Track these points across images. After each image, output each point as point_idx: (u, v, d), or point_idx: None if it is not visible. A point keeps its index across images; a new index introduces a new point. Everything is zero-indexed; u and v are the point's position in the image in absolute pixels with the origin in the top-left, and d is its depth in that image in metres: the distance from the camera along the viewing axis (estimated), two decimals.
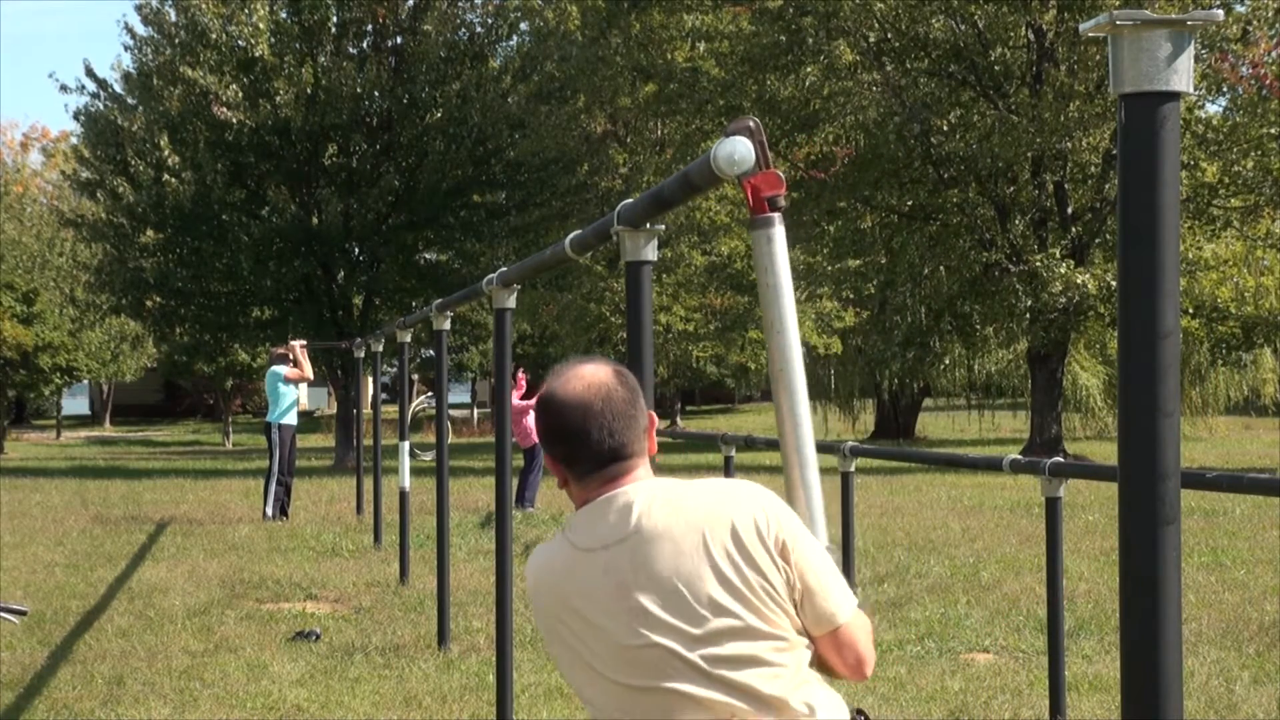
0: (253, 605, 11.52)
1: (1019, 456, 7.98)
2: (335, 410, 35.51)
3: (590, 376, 2.89)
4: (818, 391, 43.92)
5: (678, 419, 49.87)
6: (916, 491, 21.26)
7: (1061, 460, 8.44)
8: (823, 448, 9.63)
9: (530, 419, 19.15)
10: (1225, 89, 27.03)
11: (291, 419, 18.49)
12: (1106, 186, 27.53)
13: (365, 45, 30.36)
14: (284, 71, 28.49)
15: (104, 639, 10.08)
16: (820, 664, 2.91)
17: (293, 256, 29.52)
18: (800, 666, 2.83)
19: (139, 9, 29.73)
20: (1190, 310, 29.13)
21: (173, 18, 29.37)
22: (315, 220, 29.62)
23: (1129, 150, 2.34)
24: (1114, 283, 24.91)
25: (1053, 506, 6.78)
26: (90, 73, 30.46)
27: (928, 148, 28.29)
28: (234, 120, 28.32)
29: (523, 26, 34.10)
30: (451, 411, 40.88)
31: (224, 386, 48.86)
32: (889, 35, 28.00)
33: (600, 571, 2.84)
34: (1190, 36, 2.32)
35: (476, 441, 42.19)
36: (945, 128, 28.45)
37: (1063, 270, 26.43)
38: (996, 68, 27.92)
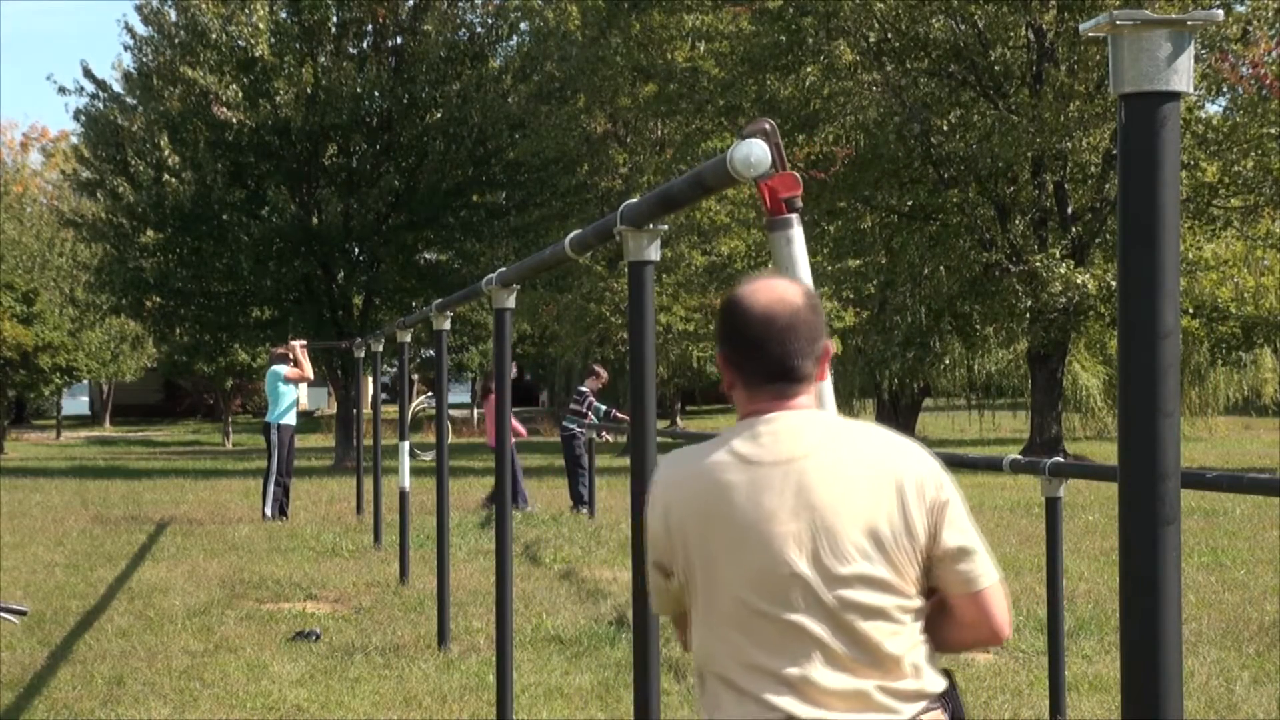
0: (253, 605, 11.52)
1: (1019, 456, 7.98)
2: (335, 410, 35.51)
3: (780, 291, 2.91)
4: None
5: (678, 419, 49.86)
6: None
7: (1061, 460, 8.44)
8: None
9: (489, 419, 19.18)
10: (1225, 89, 27.03)
11: (291, 419, 18.49)
12: (1106, 186, 27.53)
13: (365, 45, 30.36)
14: (284, 71, 28.49)
15: (104, 639, 10.08)
16: (952, 628, 2.92)
17: (293, 256, 29.52)
18: (917, 629, 2.86)
19: (139, 9, 29.74)
20: (1190, 310, 29.12)
21: (173, 18, 29.37)
22: (315, 220, 29.63)
23: (1129, 150, 2.34)
24: (1114, 283, 24.90)
25: (1053, 506, 6.78)
26: (88, 73, 30.47)
27: (928, 148, 28.29)
28: (234, 120, 28.32)
29: (523, 26, 34.10)
30: (451, 411, 40.86)
31: (224, 386, 48.85)
32: (889, 35, 28.00)
33: (762, 486, 2.83)
34: (1190, 36, 2.32)
35: (477, 441, 42.17)
36: (945, 128, 28.44)
37: (1063, 270, 26.42)
38: (996, 68, 27.92)
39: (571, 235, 5.18)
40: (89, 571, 13.45)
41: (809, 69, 28.17)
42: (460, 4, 30.78)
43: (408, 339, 12.63)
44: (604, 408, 19.60)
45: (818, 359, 2.91)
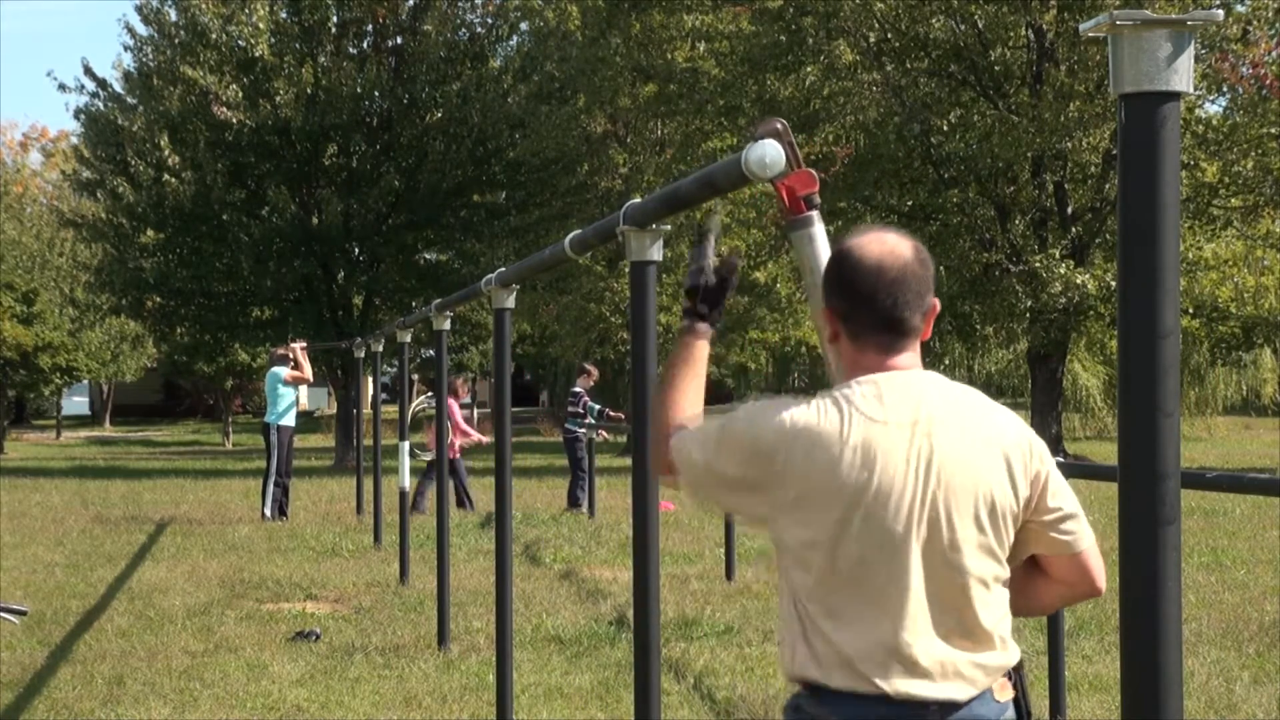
0: (253, 605, 11.52)
1: None
2: (335, 410, 35.51)
3: (892, 244, 2.92)
4: (818, 391, 43.89)
5: None
6: None
7: (1061, 460, 8.43)
8: None
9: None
10: (1225, 89, 27.02)
11: (290, 420, 18.49)
12: (1106, 186, 27.51)
13: (365, 45, 30.37)
14: (284, 71, 28.50)
15: (104, 639, 10.08)
16: (1049, 588, 3.00)
17: (293, 256, 29.52)
18: (1005, 600, 2.91)
19: (139, 9, 29.75)
20: (1190, 310, 29.11)
21: (173, 17, 29.38)
22: (315, 220, 29.63)
23: (1129, 150, 2.34)
24: (1114, 283, 24.89)
25: None
26: (89, 71, 30.47)
27: (928, 148, 28.28)
28: (234, 120, 28.32)
29: (523, 26, 34.10)
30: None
31: (224, 386, 48.86)
32: (889, 35, 27.98)
33: (888, 446, 2.83)
34: (1190, 36, 2.32)
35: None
36: (945, 128, 28.43)
37: (1063, 270, 26.41)
38: (996, 68, 27.91)
39: (572, 235, 5.19)
40: (89, 571, 13.45)
41: (809, 69, 28.16)
42: (460, 4, 30.78)
43: (408, 339, 12.63)
44: (597, 407, 19.58)
45: (925, 314, 2.93)
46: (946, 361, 37.94)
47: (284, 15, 29.20)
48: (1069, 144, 26.84)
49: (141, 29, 29.99)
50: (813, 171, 3.20)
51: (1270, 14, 26.15)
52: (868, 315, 2.89)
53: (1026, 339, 29.10)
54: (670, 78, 31.87)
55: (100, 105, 30.45)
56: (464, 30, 30.71)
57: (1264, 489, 6.36)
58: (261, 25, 28.40)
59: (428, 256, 32.22)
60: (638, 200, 4.47)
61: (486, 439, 19.05)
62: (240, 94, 28.39)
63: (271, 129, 28.61)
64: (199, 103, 28.52)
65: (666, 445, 3.06)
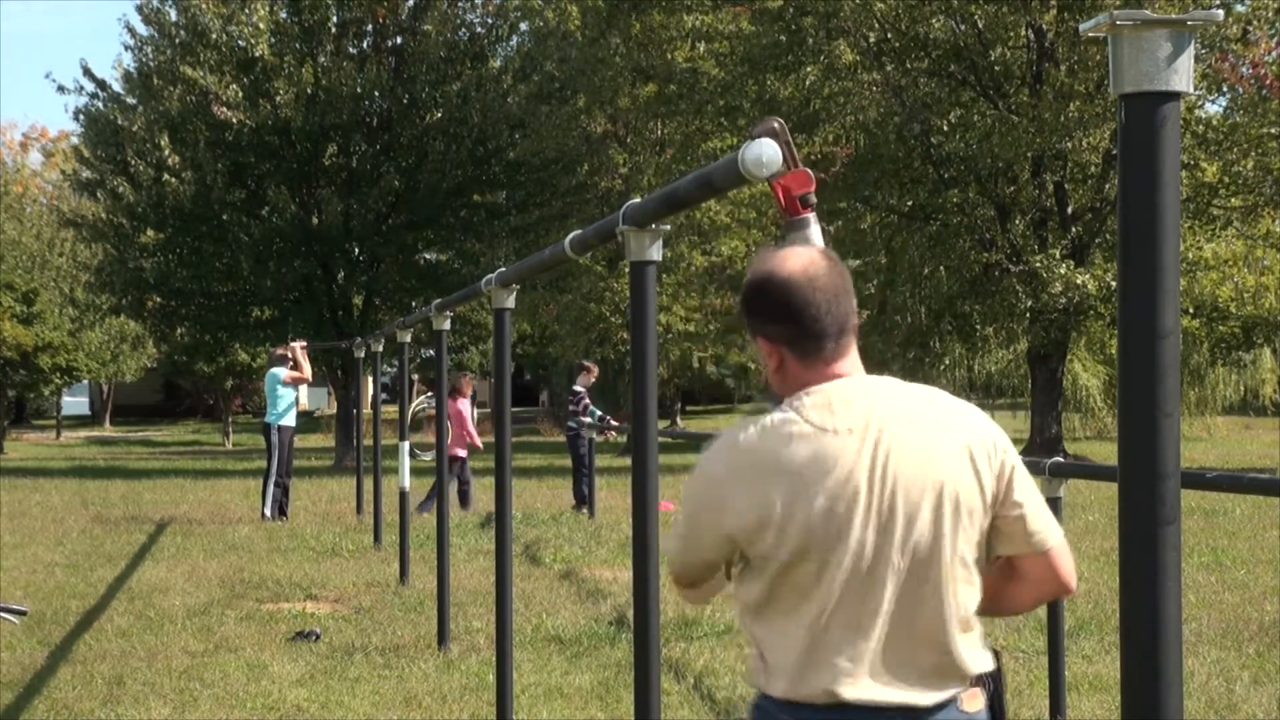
0: (253, 605, 11.52)
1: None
2: (335, 410, 35.51)
3: (805, 255, 2.91)
4: None
5: (678, 419, 49.87)
6: None
7: (1061, 460, 8.44)
8: None
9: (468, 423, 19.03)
10: (1225, 89, 27.03)
11: (290, 420, 18.49)
12: (1106, 186, 27.52)
13: (365, 45, 30.37)
14: (284, 71, 28.50)
15: (104, 639, 10.08)
16: (1021, 587, 2.97)
17: (293, 256, 29.52)
18: (974, 601, 2.89)
19: (139, 8, 29.75)
20: (1190, 310, 29.12)
21: (173, 17, 29.38)
22: (315, 220, 29.63)
23: (1129, 150, 2.34)
24: (1114, 283, 24.89)
25: (1053, 506, 6.77)
26: (88, 72, 30.46)
27: (928, 148, 28.28)
28: (234, 120, 28.32)
29: (523, 26, 34.10)
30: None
31: (224, 386, 48.86)
32: (889, 35, 27.99)
33: (840, 453, 2.81)
34: (1190, 36, 2.32)
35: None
36: (945, 128, 28.44)
37: (1063, 270, 26.42)
38: (996, 68, 27.92)
39: (572, 235, 5.18)
40: (89, 571, 13.45)
41: (809, 69, 28.16)
42: (460, 4, 30.78)
43: (408, 339, 12.63)
44: (599, 413, 19.61)
45: (855, 308, 2.93)
46: (947, 361, 37.90)
47: (284, 15, 29.20)
48: (1069, 144, 26.85)
49: (141, 29, 30.01)
50: (809, 171, 3.19)
51: (1270, 14, 26.16)
52: (810, 326, 2.86)
53: (1026, 339, 29.10)
54: (670, 78, 31.87)
55: (100, 105, 30.45)
56: (464, 30, 30.71)
57: (1264, 489, 6.37)
58: (261, 25, 28.40)
59: (428, 256, 32.22)
60: (637, 200, 4.47)
61: (480, 444, 19.07)
62: (240, 94, 28.39)
63: (271, 129, 28.61)
64: (199, 103, 28.52)
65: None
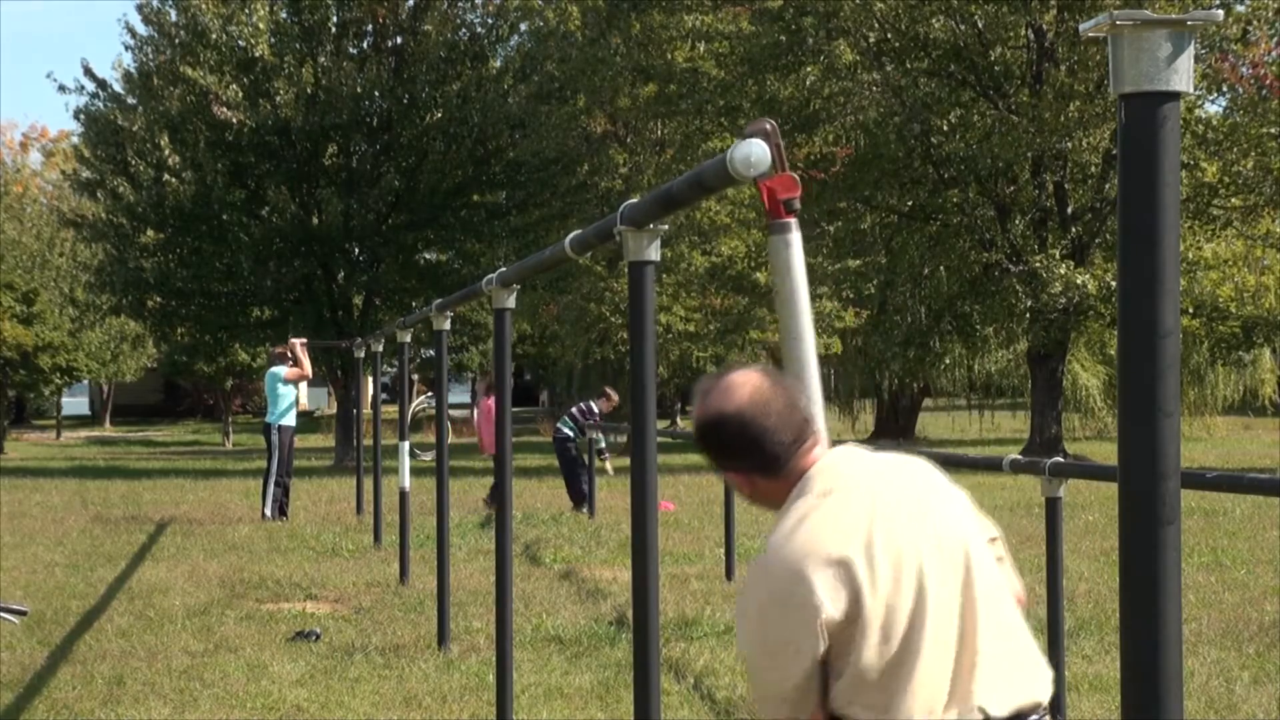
0: (253, 605, 11.52)
1: (1019, 456, 7.98)
2: (335, 410, 35.51)
3: (747, 382, 2.93)
4: None
5: (678, 419, 49.84)
6: None
7: (1061, 460, 8.44)
8: None
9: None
10: (1225, 89, 27.03)
11: (290, 420, 18.49)
12: (1106, 186, 27.53)
13: (365, 45, 30.36)
14: (284, 71, 28.49)
15: (104, 639, 10.08)
16: None
17: (293, 256, 29.52)
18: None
19: (139, 8, 29.73)
20: (1190, 310, 29.12)
21: (173, 17, 29.37)
22: (315, 220, 29.62)
23: (1129, 150, 2.34)
24: (1114, 283, 24.89)
25: (1053, 506, 6.78)
26: (89, 72, 30.45)
27: (928, 148, 28.28)
28: (234, 120, 28.31)
29: (522, 27, 34.07)
30: (451, 411, 40.87)
31: (224, 386, 48.85)
32: (889, 35, 27.99)
33: (895, 494, 2.87)
34: (1190, 36, 2.32)
35: (476, 441, 42.16)
36: (945, 128, 28.44)
37: (1063, 270, 26.42)
38: (996, 68, 27.92)
39: (571, 236, 5.18)
40: (89, 571, 13.45)
41: (809, 69, 28.16)
42: (460, 4, 30.77)
43: (408, 339, 12.63)
44: (603, 445, 19.85)
45: (809, 416, 2.96)
46: (947, 361, 37.92)
47: (284, 15, 29.19)
48: (1069, 144, 26.85)
49: (141, 29, 30.00)
50: (795, 177, 3.18)
51: (1270, 14, 26.16)
52: (773, 450, 2.89)
53: (1026, 339, 29.10)
54: (670, 78, 31.86)
55: (100, 105, 30.44)
56: (464, 30, 30.70)
57: (1264, 489, 6.36)
58: (261, 25, 28.38)
59: (428, 256, 32.21)
60: (635, 200, 4.47)
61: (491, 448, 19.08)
62: (240, 94, 28.38)
63: (271, 129, 28.60)
64: (199, 103, 28.50)
65: None
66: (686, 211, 32.46)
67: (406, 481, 13.02)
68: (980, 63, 27.71)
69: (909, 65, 28.19)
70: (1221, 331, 30.75)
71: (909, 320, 31.76)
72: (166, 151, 28.74)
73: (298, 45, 28.98)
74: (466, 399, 61.30)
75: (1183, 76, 2.32)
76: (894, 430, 41.88)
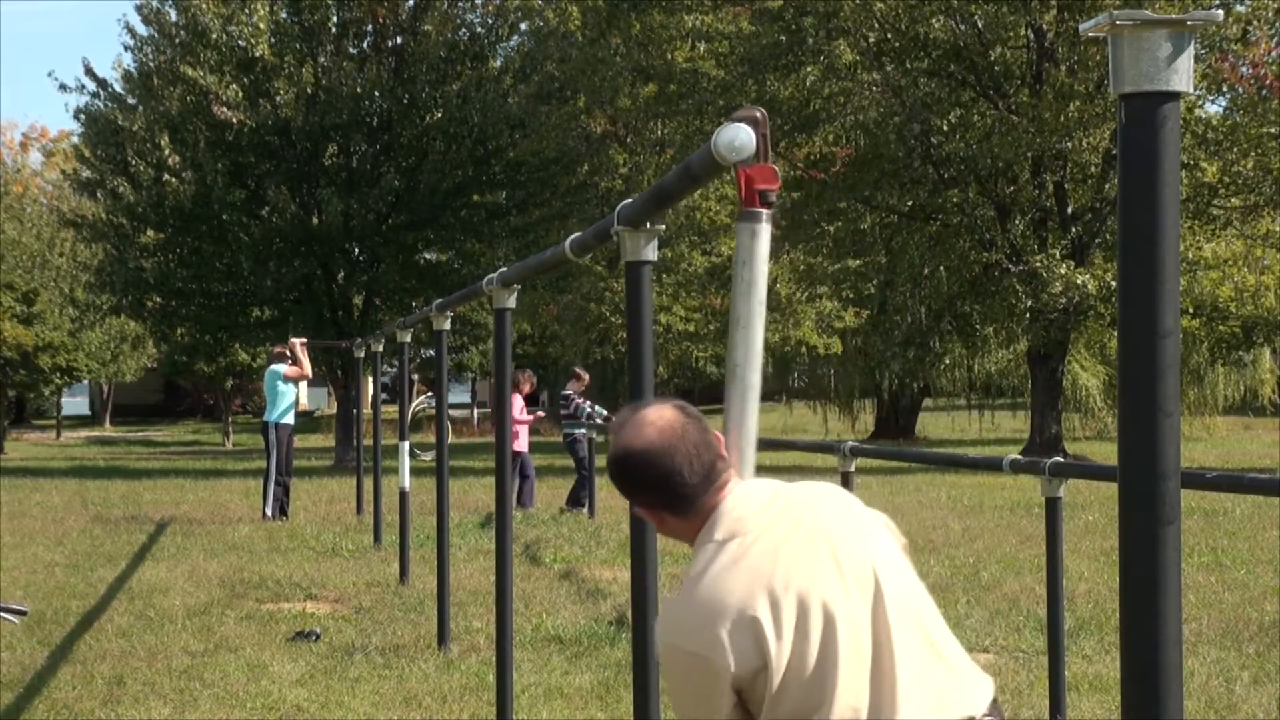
0: (253, 605, 11.52)
1: (1019, 456, 7.98)
2: (335, 410, 35.51)
3: (658, 419, 2.92)
4: (818, 391, 43.92)
5: None
6: (916, 491, 21.26)
7: (1061, 460, 8.43)
8: (822, 448, 9.63)
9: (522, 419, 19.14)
10: (1225, 89, 27.03)
11: (290, 419, 18.48)
12: (1106, 186, 27.53)
13: (365, 45, 30.35)
14: (284, 71, 28.49)
15: (104, 639, 10.08)
16: None
17: (293, 256, 29.52)
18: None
19: (139, 9, 29.72)
20: (1190, 310, 29.12)
21: (173, 17, 29.36)
22: (315, 220, 29.62)
23: (1129, 150, 2.34)
24: (1114, 283, 24.90)
25: (1053, 506, 6.78)
26: (90, 72, 30.45)
27: (928, 148, 28.28)
28: (234, 120, 28.31)
29: (523, 27, 34.08)
30: (451, 411, 40.87)
31: (224, 386, 48.85)
32: (889, 35, 27.99)
33: (797, 530, 2.84)
34: (1190, 36, 2.32)
35: (477, 441, 42.20)
36: (945, 128, 28.45)
37: (1063, 270, 26.42)
38: (996, 68, 27.92)
39: (572, 238, 5.18)
40: (89, 571, 13.45)
41: (809, 69, 28.16)
42: (460, 4, 30.76)
43: (408, 339, 12.63)
44: (588, 410, 19.63)
45: (719, 451, 2.93)
46: (947, 361, 37.92)
47: (284, 15, 29.18)
48: (1069, 144, 26.85)
49: (141, 29, 29.99)
50: (775, 169, 3.16)
51: (1270, 14, 26.16)
52: (679, 489, 2.88)
53: (1026, 339, 29.10)
54: (670, 78, 31.87)
55: (100, 105, 30.43)
56: (464, 30, 30.69)
57: (1264, 489, 6.36)
58: (261, 25, 28.38)
59: (428, 256, 32.20)
60: (630, 200, 4.47)
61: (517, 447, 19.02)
62: (240, 94, 28.37)
63: (271, 129, 28.60)
64: (199, 103, 28.50)
65: None
66: (686, 211, 32.46)
67: (406, 481, 13.02)
68: (980, 63, 27.71)
69: (909, 65, 28.20)
70: (1221, 331, 30.75)
71: (909, 320, 31.76)
72: (166, 151, 28.74)
73: (298, 45, 28.98)
74: (466, 399, 61.39)
75: (1183, 76, 2.32)
76: (894, 430, 41.90)
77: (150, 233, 30.45)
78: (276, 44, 28.69)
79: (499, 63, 31.07)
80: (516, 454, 18.30)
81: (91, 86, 30.41)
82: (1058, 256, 27.11)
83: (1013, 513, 18.05)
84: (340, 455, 29.91)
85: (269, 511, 18.04)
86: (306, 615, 11.03)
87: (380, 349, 17.74)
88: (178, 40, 29.11)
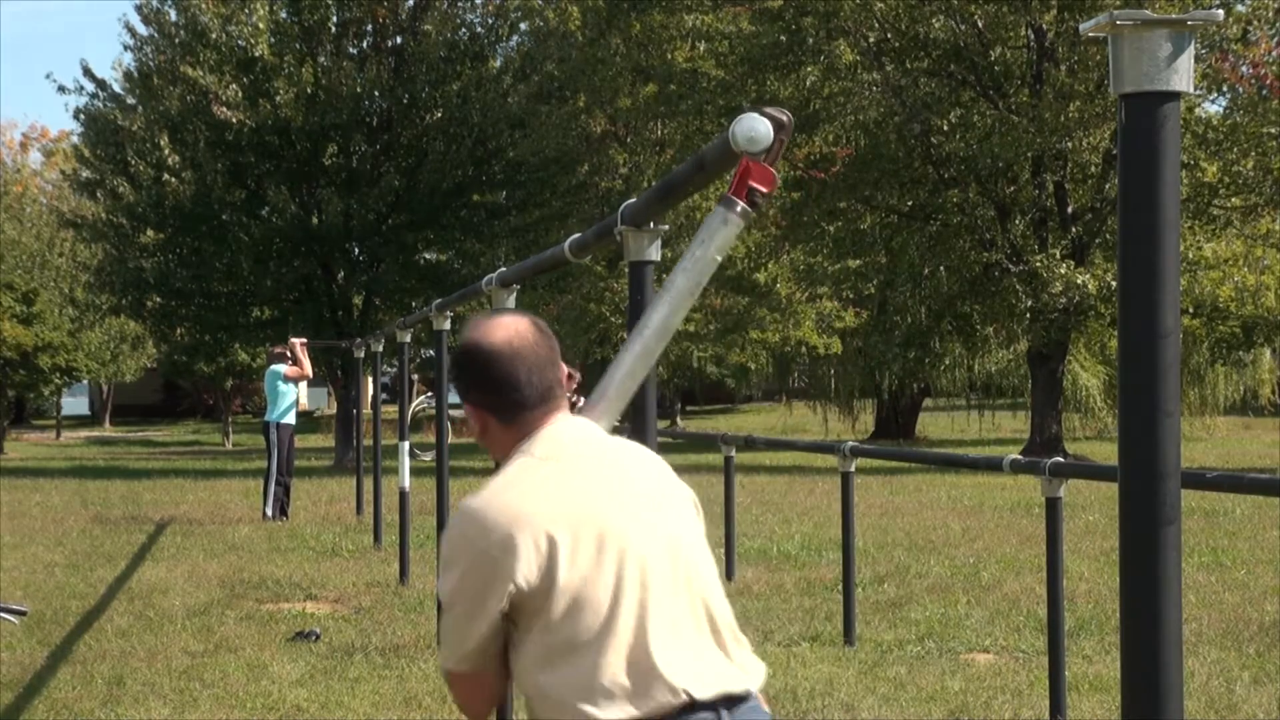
0: (253, 605, 11.52)
1: (1019, 456, 7.98)
2: (335, 410, 35.50)
3: (511, 326, 2.97)
4: (818, 392, 43.93)
5: (678, 419, 49.85)
6: (916, 491, 21.25)
7: (1061, 460, 8.44)
8: (823, 448, 9.66)
9: None
10: (1225, 89, 27.03)
11: (290, 419, 18.48)
12: (1106, 186, 27.53)
13: (365, 45, 30.35)
14: (284, 71, 28.48)
15: (104, 639, 10.08)
16: None
17: (293, 256, 29.52)
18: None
19: (139, 8, 29.72)
20: (1190, 310, 29.12)
21: (173, 17, 29.36)
22: (315, 220, 29.61)
23: (1129, 150, 2.34)
24: (1114, 283, 24.90)
25: (1053, 506, 6.78)
26: (88, 72, 30.45)
27: (928, 148, 28.29)
28: (234, 120, 28.30)
29: (523, 26, 34.08)
30: (451, 411, 40.81)
31: (224, 386, 48.83)
32: (889, 35, 28.00)
33: (612, 474, 2.91)
34: (1190, 36, 2.32)
35: (476, 441, 42.10)
36: (945, 128, 28.45)
37: (1063, 270, 26.42)
38: (996, 68, 27.93)
39: (572, 238, 5.18)
40: (89, 571, 13.45)
41: (809, 69, 28.17)
42: (460, 4, 30.77)
43: (408, 339, 12.62)
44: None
45: (562, 378, 3.00)
46: (947, 361, 37.92)
47: (284, 15, 29.18)
48: (1069, 144, 26.86)
49: (141, 29, 29.98)
50: (775, 174, 3.16)
51: (1270, 14, 26.17)
52: (510, 396, 2.93)
53: (1026, 339, 29.11)
54: (670, 78, 31.87)
55: (100, 105, 30.43)
56: (464, 30, 30.69)
57: (1264, 489, 6.37)
58: (261, 25, 28.38)
59: (428, 256, 32.20)
60: (635, 200, 4.46)
61: None
62: (240, 94, 28.37)
63: (271, 129, 28.59)
64: (199, 103, 28.50)
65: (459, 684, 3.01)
66: (687, 211, 32.47)
67: (406, 481, 13.02)
68: (980, 63, 27.72)
69: (909, 65, 28.20)
70: (1221, 331, 30.76)
71: (909, 320, 31.76)
72: (166, 151, 28.73)
73: (298, 45, 28.98)
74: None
75: (1183, 76, 2.32)
76: (894, 430, 41.90)
77: (150, 233, 30.44)
78: (276, 44, 28.68)
79: (499, 62, 31.06)
80: None
81: (90, 87, 30.43)
82: (1058, 256, 27.11)
83: (1013, 513, 18.04)
84: (340, 455, 29.91)
85: (269, 511, 18.04)
86: (306, 615, 11.03)
87: (380, 349, 17.74)
88: (177, 40, 29.10)
